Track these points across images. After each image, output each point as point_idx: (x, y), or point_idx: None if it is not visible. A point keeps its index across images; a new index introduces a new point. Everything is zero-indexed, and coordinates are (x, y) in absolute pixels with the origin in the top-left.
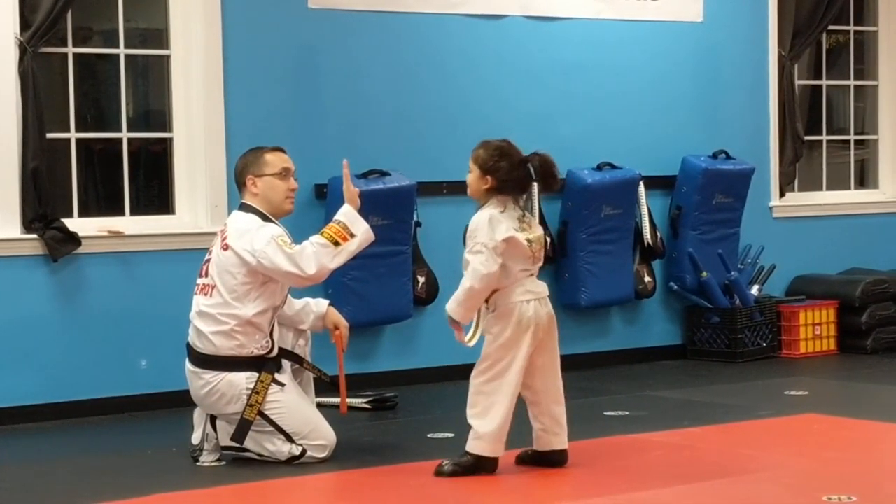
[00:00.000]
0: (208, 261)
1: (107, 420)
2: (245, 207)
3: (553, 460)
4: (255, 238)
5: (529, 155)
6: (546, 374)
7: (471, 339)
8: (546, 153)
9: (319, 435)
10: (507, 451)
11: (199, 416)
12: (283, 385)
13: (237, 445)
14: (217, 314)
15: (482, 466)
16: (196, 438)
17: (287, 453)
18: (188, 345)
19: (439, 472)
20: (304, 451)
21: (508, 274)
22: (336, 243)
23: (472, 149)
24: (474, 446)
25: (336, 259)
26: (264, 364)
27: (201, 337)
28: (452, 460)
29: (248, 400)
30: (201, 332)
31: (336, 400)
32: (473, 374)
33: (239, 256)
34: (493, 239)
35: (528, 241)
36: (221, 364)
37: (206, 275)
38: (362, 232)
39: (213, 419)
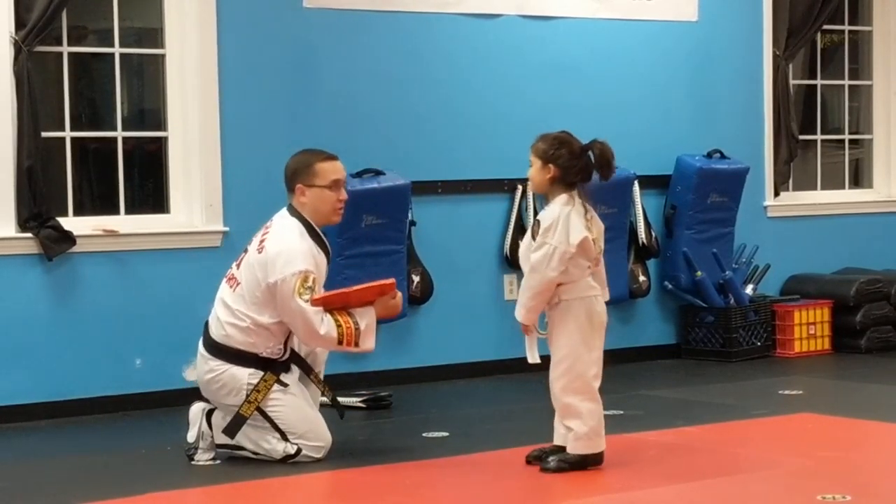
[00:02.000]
0: (245, 252)
1: (101, 419)
2: (292, 211)
3: (589, 462)
4: (285, 261)
5: (589, 143)
6: None
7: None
8: (605, 141)
9: (316, 436)
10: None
11: (194, 414)
12: (286, 385)
13: (232, 443)
14: (236, 310)
15: (588, 462)
16: (192, 436)
17: (282, 452)
18: (206, 324)
19: (545, 469)
20: (299, 451)
21: (577, 266)
22: (340, 341)
23: (531, 144)
24: (576, 447)
25: (325, 348)
26: (271, 365)
27: (218, 323)
28: (559, 457)
29: (248, 396)
30: (219, 320)
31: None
32: (553, 377)
33: (265, 269)
34: (566, 242)
35: (593, 240)
36: (231, 356)
37: (239, 266)
38: (365, 348)
39: (208, 417)
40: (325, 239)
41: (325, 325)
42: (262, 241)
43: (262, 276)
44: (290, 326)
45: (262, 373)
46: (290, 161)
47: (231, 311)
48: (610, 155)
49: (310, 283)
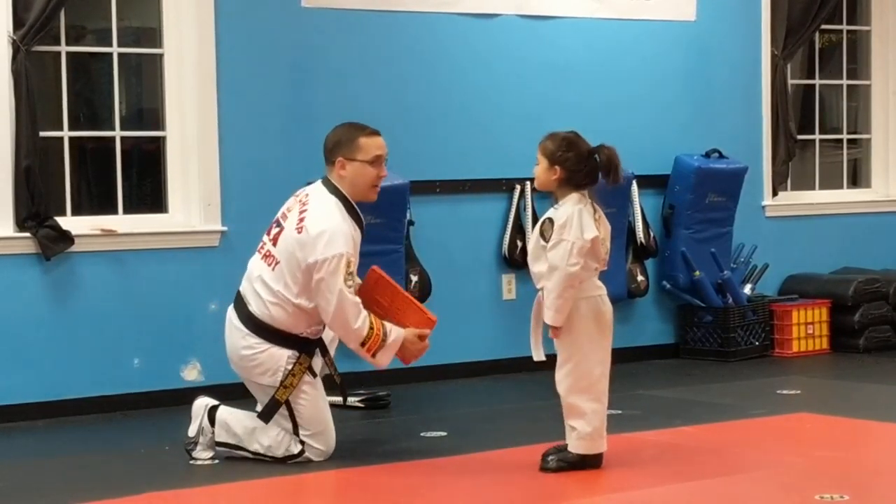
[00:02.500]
0: (280, 229)
1: (99, 419)
2: (328, 185)
3: (588, 463)
4: (322, 246)
5: (597, 146)
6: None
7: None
8: (612, 146)
9: (325, 440)
10: (508, 448)
11: (197, 409)
12: (314, 376)
13: (231, 443)
14: (277, 291)
15: (588, 463)
16: (192, 430)
17: (284, 451)
18: (239, 296)
19: (544, 468)
20: (302, 451)
21: (585, 266)
22: (363, 343)
23: (539, 141)
24: (577, 446)
25: (345, 339)
26: (307, 346)
27: (258, 300)
28: (558, 456)
29: (284, 381)
30: (258, 296)
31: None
32: (558, 377)
33: (304, 249)
34: (581, 238)
35: (602, 240)
36: (272, 335)
37: (276, 243)
38: (380, 361)
39: (211, 413)
40: (360, 213)
41: (361, 320)
42: (301, 219)
43: (301, 256)
44: (322, 308)
45: (298, 355)
46: (332, 133)
47: (272, 292)
48: (617, 160)
49: (351, 269)
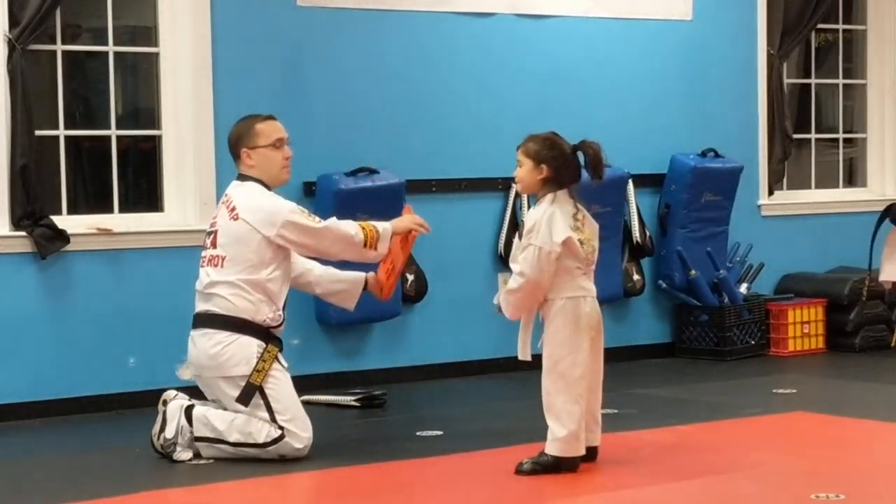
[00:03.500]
0: (214, 232)
1: (95, 418)
2: (244, 178)
3: (586, 457)
4: (275, 210)
5: (579, 143)
6: (594, 376)
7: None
8: (594, 142)
9: (302, 425)
10: (504, 447)
11: (173, 411)
12: (284, 367)
13: (211, 436)
14: (234, 280)
15: (562, 466)
16: (170, 432)
17: (265, 437)
18: (196, 316)
19: (519, 471)
20: (282, 436)
21: (563, 266)
22: (365, 244)
23: (518, 145)
24: (553, 447)
25: (352, 253)
26: (271, 338)
27: (216, 299)
28: (533, 459)
29: (256, 366)
30: (217, 295)
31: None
32: (543, 373)
33: (253, 227)
34: (550, 241)
35: (580, 241)
36: (236, 326)
37: (215, 245)
38: (381, 250)
39: (188, 413)
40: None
41: (354, 228)
42: (232, 209)
43: (256, 237)
44: (320, 249)
45: (265, 344)
46: (231, 131)
47: (228, 284)
48: (601, 156)
49: (307, 212)
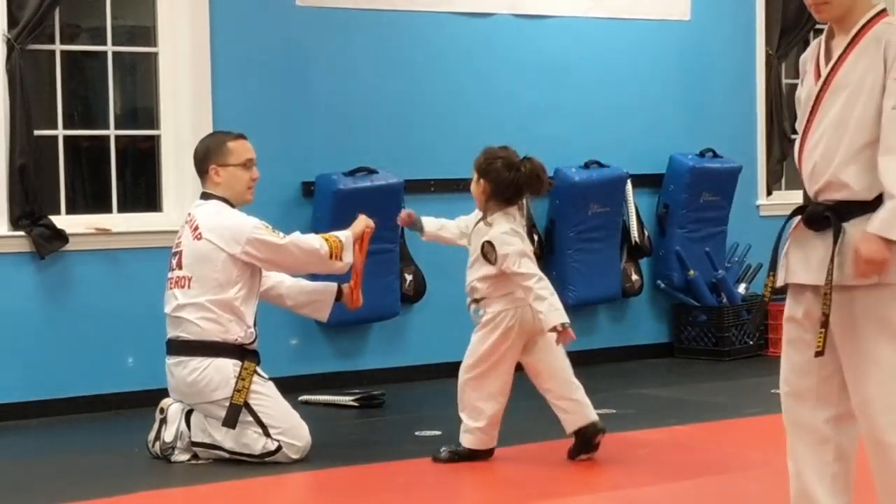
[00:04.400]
0: (179, 252)
1: (93, 417)
2: (207, 196)
3: (586, 436)
4: (238, 227)
5: (521, 159)
6: (553, 373)
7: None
8: (536, 159)
9: (297, 434)
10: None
11: (173, 414)
12: (265, 378)
13: (208, 442)
14: (201, 302)
15: (476, 456)
16: (170, 435)
17: (261, 448)
18: (168, 341)
19: (436, 459)
20: (279, 448)
21: (507, 283)
22: (331, 255)
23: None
24: (465, 439)
25: (318, 265)
26: (246, 354)
27: (185, 324)
28: (450, 448)
29: (236, 385)
30: (185, 320)
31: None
32: (462, 368)
33: (218, 246)
34: (522, 244)
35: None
36: (208, 349)
37: (181, 266)
38: (346, 261)
39: (187, 417)
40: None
41: (318, 241)
42: (195, 229)
43: (220, 256)
44: (286, 264)
45: (241, 363)
46: (199, 145)
47: (196, 306)
48: (539, 172)
49: (271, 227)
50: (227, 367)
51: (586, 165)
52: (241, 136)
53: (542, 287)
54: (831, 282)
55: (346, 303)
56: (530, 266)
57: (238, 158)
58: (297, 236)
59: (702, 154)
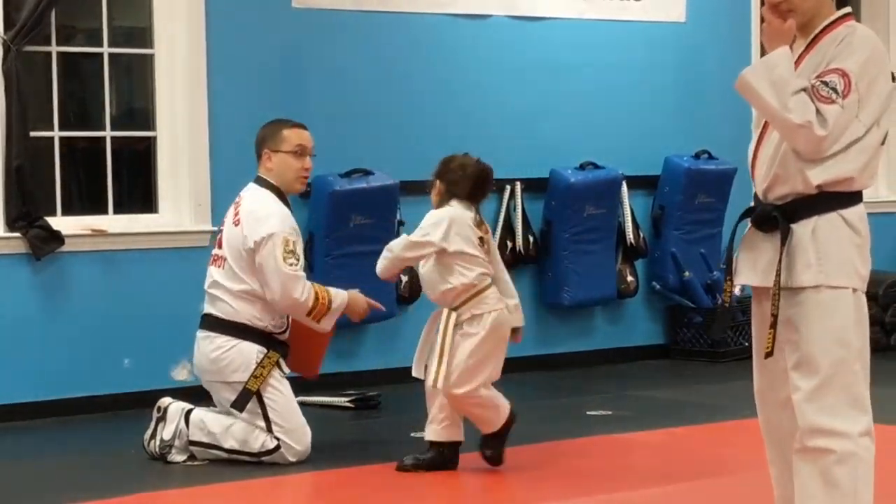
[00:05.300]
0: (222, 231)
1: (89, 419)
2: (260, 181)
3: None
4: (261, 222)
5: (474, 160)
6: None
7: None
8: (484, 164)
9: (298, 437)
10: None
11: (173, 413)
12: (284, 374)
13: (206, 441)
14: (231, 286)
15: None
16: (168, 434)
17: (260, 446)
18: (202, 316)
19: (401, 467)
20: (277, 447)
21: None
22: (309, 313)
23: None
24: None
25: (291, 312)
26: (273, 343)
27: (219, 302)
28: (413, 457)
29: (254, 371)
30: (220, 298)
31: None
32: (444, 373)
33: (245, 235)
34: (442, 226)
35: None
36: (239, 331)
37: (220, 246)
38: (323, 326)
39: (186, 416)
40: (290, 205)
41: (306, 292)
42: (236, 213)
43: (241, 245)
44: (267, 286)
45: (266, 350)
46: (260, 130)
47: (227, 289)
48: (486, 175)
49: (291, 248)
50: (251, 352)
51: (582, 167)
52: (300, 126)
53: (395, 244)
54: (779, 283)
55: (295, 369)
56: (416, 235)
57: (290, 146)
58: (295, 275)
59: (697, 156)
